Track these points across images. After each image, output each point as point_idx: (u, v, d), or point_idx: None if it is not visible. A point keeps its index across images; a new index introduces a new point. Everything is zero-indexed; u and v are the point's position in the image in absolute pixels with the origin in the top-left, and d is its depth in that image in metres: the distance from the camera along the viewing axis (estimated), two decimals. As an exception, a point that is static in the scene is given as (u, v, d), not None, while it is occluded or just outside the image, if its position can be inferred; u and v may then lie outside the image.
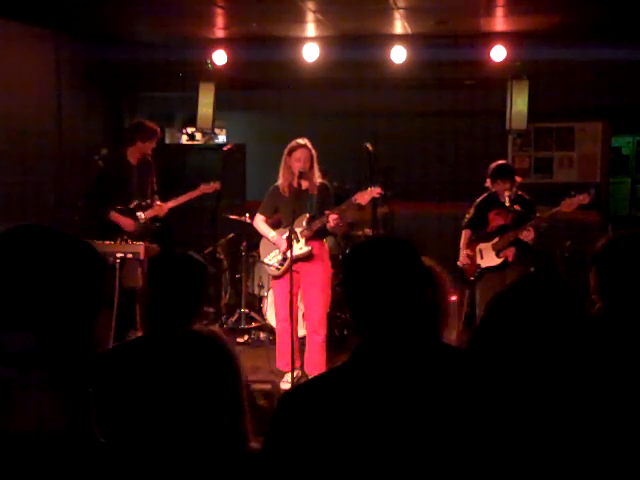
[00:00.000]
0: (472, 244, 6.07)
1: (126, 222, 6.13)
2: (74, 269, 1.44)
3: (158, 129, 6.40)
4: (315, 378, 1.86)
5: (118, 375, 2.45)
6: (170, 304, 2.67)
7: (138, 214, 6.23)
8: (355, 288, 1.77)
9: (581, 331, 1.56)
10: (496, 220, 5.95)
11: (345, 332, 6.74)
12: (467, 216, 6.17)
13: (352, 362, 1.75)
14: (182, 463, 1.89)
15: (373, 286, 1.73)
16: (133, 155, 6.28)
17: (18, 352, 1.35)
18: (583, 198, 5.53)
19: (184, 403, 1.97)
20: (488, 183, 6.01)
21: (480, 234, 6.04)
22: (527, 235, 5.68)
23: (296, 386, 1.90)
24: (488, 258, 5.97)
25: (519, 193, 5.91)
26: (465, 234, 6.15)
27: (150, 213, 6.31)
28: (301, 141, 5.60)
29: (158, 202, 6.43)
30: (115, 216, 6.11)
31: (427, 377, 1.68)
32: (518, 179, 6.10)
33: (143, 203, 6.30)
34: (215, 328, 2.24)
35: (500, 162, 6.06)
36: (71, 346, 1.41)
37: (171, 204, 6.42)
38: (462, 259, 6.05)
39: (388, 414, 1.63)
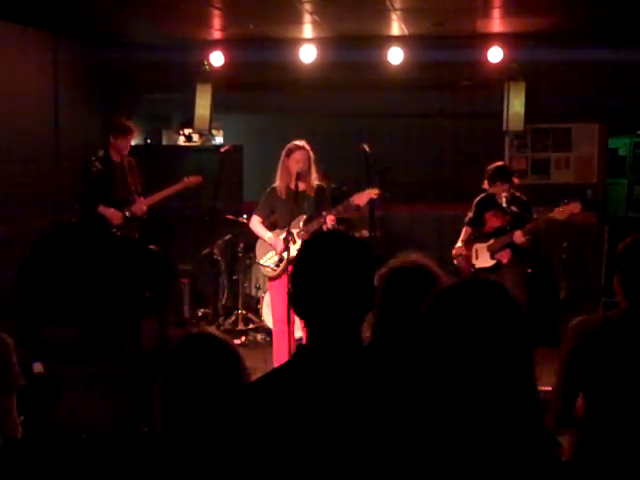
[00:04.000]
0: (470, 243, 6.09)
1: (114, 214, 6.30)
2: (125, 271, 1.45)
3: (130, 126, 6.51)
4: (258, 379, 1.79)
5: None
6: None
7: (125, 211, 6.39)
8: (298, 286, 1.72)
9: (517, 337, 1.54)
10: (492, 221, 5.96)
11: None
12: (469, 214, 6.18)
13: (292, 362, 1.72)
14: (193, 463, 1.89)
15: (314, 285, 1.68)
16: (115, 154, 6.44)
17: (66, 346, 1.36)
18: (574, 207, 5.53)
19: (190, 401, 1.98)
20: (485, 185, 6.01)
21: (477, 234, 6.06)
22: (518, 238, 5.69)
23: (244, 385, 1.87)
24: (482, 259, 5.98)
25: (516, 194, 5.92)
26: (466, 231, 6.17)
27: (136, 208, 6.45)
28: (299, 143, 5.60)
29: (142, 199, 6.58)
30: (103, 209, 6.27)
31: (362, 382, 1.64)
32: (516, 180, 6.11)
33: (130, 198, 6.46)
34: (217, 331, 2.24)
35: (498, 164, 6.06)
36: (118, 344, 1.42)
37: (157, 197, 6.60)
38: (455, 250, 6.07)
39: (318, 417, 1.60)
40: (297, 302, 1.73)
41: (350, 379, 1.64)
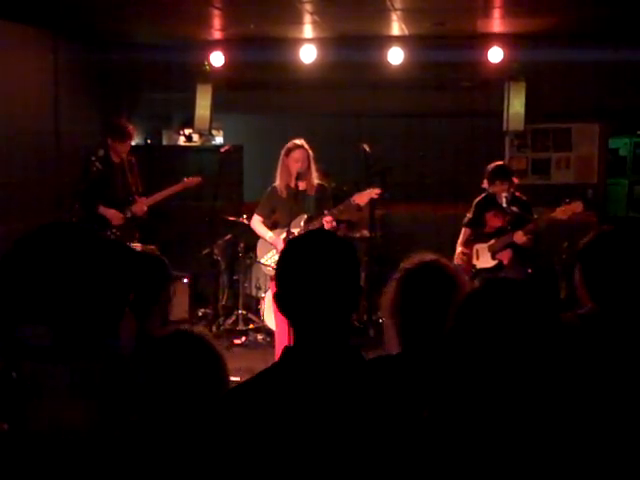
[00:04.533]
0: (470, 244, 6.08)
1: (114, 214, 6.29)
2: (105, 272, 1.44)
3: (129, 130, 6.47)
4: (246, 381, 1.76)
5: None
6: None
7: (126, 211, 6.38)
8: (284, 285, 1.71)
9: (554, 336, 1.55)
10: (493, 221, 5.95)
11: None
12: (468, 215, 6.17)
13: (279, 364, 1.71)
14: (172, 463, 1.89)
15: (298, 284, 1.67)
16: (114, 154, 6.42)
17: (40, 346, 1.35)
18: (577, 206, 5.53)
19: (171, 402, 1.98)
20: (485, 184, 6.01)
21: (478, 234, 6.05)
22: (520, 237, 5.68)
23: (230, 389, 1.87)
24: (483, 259, 5.97)
25: (516, 194, 5.92)
26: (464, 232, 6.15)
27: (136, 208, 6.44)
28: (298, 142, 5.61)
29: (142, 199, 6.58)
30: (103, 209, 6.26)
31: (348, 382, 1.63)
32: (515, 180, 6.10)
33: (130, 198, 6.45)
34: (202, 329, 2.23)
35: (498, 163, 6.06)
36: (92, 345, 1.41)
37: (157, 197, 6.59)
38: (457, 256, 6.06)
39: (304, 418, 1.59)
40: (281, 302, 1.72)
41: (336, 379, 1.63)
